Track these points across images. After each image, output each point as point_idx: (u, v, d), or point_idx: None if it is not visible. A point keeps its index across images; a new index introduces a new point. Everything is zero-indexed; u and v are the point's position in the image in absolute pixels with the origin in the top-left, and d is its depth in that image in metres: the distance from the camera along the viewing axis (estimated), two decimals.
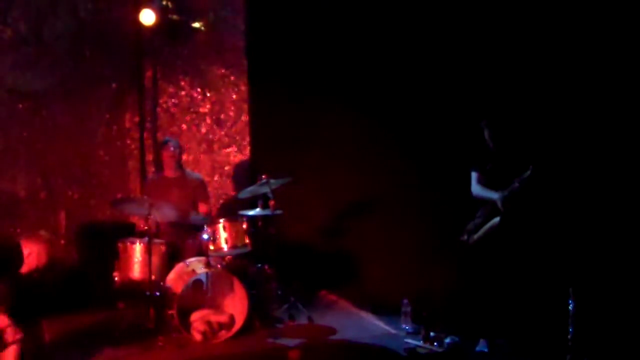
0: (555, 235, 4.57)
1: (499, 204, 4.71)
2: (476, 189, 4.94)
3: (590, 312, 4.36)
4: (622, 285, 4.44)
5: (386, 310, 5.74)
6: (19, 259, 4.21)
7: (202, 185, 6.16)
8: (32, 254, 4.22)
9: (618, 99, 4.44)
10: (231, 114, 7.23)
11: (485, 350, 4.77)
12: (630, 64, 4.34)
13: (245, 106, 7.26)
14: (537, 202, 4.66)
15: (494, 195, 4.76)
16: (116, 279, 5.42)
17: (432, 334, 4.95)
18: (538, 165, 4.58)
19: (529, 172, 4.59)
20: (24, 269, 4.28)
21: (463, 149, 5.28)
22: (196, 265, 5.39)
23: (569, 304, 4.30)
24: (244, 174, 7.23)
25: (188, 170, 6.28)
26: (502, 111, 4.91)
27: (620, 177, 4.47)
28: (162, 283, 5.36)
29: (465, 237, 4.87)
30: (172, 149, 5.98)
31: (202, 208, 6.07)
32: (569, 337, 4.33)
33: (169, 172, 6.02)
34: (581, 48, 4.57)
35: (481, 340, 4.80)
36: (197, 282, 5.37)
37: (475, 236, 4.81)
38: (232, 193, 7.11)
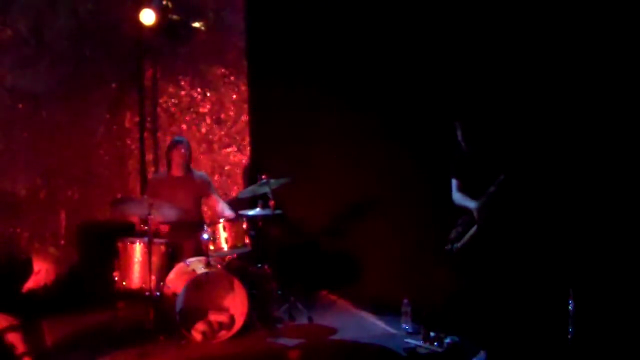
0: (553, 236, 4.57)
1: (475, 214, 4.69)
2: (456, 196, 4.86)
3: (590, 312, 4.36)
4: (622, 285, 4.44)
5: (386, 310, 5.74)
6: (26, 274, 4.20)
7: (206, 183, 6.15)
8: (42, 272, 4.20)
9: (593, 96, 4.44)
10: (231, 114, 7.24)
11: None
12: (604, 62, 4.33)
13: (245, 106, 7.26)
14: (516, 206, 4.63)
15: (471, 204, 4.72)
16: (116, 278, 5.42)
17: (432, 334, 4.95)
18: (511, 168, 4.55)
19: (501, 177, 4.55)
20: (32, 285, 4.27)
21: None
22: (196, 265, 5.39)
23: (569, 304, 4.30)
24: (244, 174, 7.24)
25: (194, 169, 6.27)
26: (473, 111, 4.87)
27: (617, 175, 4.47)
28: (162, 283, 5.36)
29: (450, 246, 4.84)
30: (183, 150, 5.98)
31: (214, 202, 6.08)
32: (569, 337, 4.33)
33: (177, 172, 6.01)
34: (554, 48, 4.57)
35: (481, 352, 4.76)
36: (197, 282, 5.37)
37: (459, 244, 4.78)
38: (232, 193, 7.11)
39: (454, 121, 4.82)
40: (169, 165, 6.02)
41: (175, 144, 6.04)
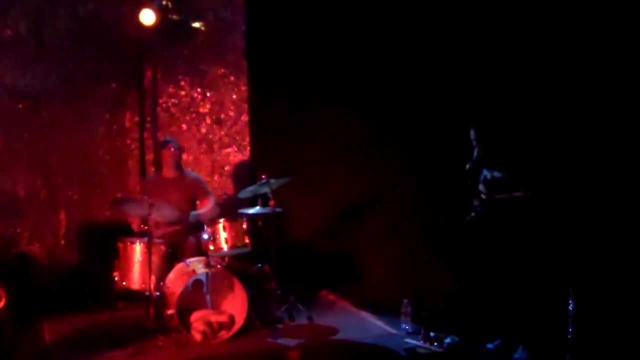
0: (555, 236, 4.57)
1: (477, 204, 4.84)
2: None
3: (590, 312, 4.36)
4: (622, 285, 4.44)
5: (386, 310, 5.74)
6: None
7: (200, 184, 6.15)
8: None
9: (607, 101, 4.45)
10: (231, 114, 7.23)
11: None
12: (622, 66, 4.33)
13: (245, 106, 7.25)
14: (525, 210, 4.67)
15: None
16: (116, 279, 5.42)
17: (432, 334, 4.95)
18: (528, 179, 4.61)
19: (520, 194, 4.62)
20: None
21: (464, 149, 5.29)
22: (196, 265, 5.39)
23: (569, 304, 4.30)
24: (244, 174, 7.23)
25: (186, 170, 6.27)
26: (487, 114, 4.93)
27: (619, 176, 4.47)
28: (162, 283, 5.36)
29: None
30: (172, 149, 5.98)
31: (207, 203, 6.08)
32: (569, 337, 4.33)
33: (168, 172, 6.02)
34: (572, 51, 4.57)
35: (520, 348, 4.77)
36: (197, 282, 5.37)
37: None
38: (232, 193, 7.11)
39: (469, 124, 4.87)
40: (160, 165, 6.02)
41: (164, 144, 6.05)
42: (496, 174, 4.74)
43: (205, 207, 5.95)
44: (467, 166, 4.86)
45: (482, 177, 4.87)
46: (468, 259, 5.07)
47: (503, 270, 4.77)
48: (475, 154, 4.89)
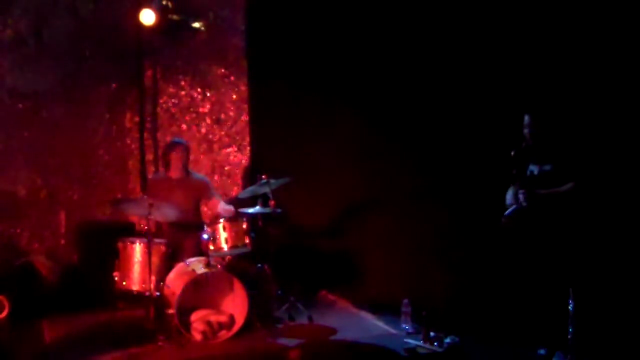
0: (556, 236, 4.57)
1: (521, 196, 4.65)
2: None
3: (590, 312, 4.36)
4: (622, 285, 4.44)
5: (386, 310, 5.74)
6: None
7: (206, 185, 6.14)
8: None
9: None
10: (231, 114, 7.24)
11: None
12: None
13: (245, 106, 7.26)
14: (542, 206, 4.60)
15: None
16: (116, 279, 5.42)
17: (432, 334, 4.95)
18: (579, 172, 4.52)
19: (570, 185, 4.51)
20: None
21: (465, 149, 5.29)
22: (196, 265, 5.39)
23: (569, 304, 4.30)
24: (244, 174, 7.24)
25: (193, 171, 6.26)
26: (544, 104, 4.79)
27: (620, 177, 4.48)
28: (162, 283, 5.36)
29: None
30: (180, 152, 5.97)
31: (214, 203, 6.07)
32: (569, 337, 4.33)
33: (175, 173, 6.00)
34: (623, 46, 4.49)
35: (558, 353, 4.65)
36: (197, 282, 5.37)
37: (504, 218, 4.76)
38: (232, 193, 7.11)
39: (524, 113, 4.70)
40: (167, 166, 6.01)
41: (173, 146, 6.03)
42: (546, 167, 4.60)
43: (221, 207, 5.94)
44: (512, 153, 4.62)
45: (528, 173, 4.74)
46: (496, 257, 4.97)
47: (532, 268, 4.66)
48: (523, 143, 4.68)
